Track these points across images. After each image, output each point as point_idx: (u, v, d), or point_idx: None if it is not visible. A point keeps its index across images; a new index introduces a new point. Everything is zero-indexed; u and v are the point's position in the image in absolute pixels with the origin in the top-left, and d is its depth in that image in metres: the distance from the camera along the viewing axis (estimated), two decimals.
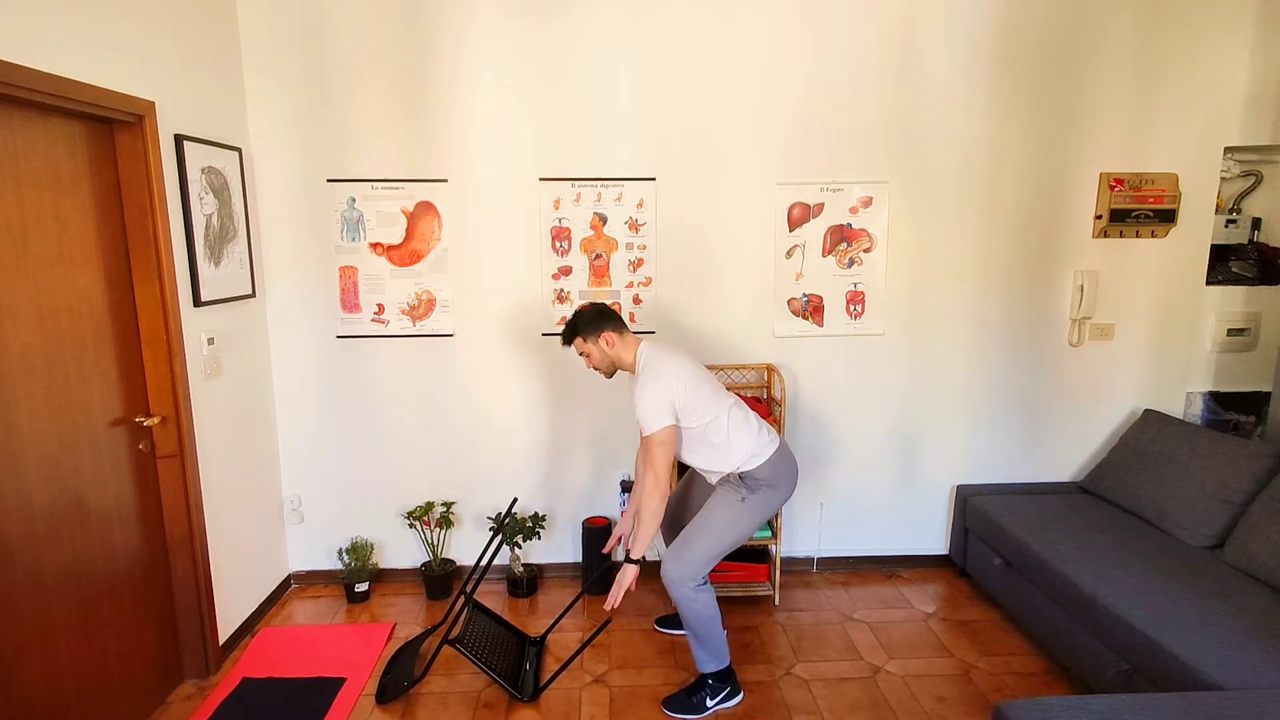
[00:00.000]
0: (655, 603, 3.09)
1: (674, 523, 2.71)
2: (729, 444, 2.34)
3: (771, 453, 2.37)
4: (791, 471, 2.43)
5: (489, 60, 2.94)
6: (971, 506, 3.16)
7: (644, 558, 2.37)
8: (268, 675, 2.58)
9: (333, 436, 3.18)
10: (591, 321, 2.39)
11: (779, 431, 2.99)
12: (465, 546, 3.28)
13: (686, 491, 2.72)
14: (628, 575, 2.35)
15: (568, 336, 2.43)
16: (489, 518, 3.25)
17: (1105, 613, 2.27)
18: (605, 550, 2.78)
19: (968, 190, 3.10)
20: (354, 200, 3.01)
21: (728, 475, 2.38)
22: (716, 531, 2.33)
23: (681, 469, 2.99)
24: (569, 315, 3.07)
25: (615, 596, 2.34)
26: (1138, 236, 3.15)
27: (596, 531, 3.16)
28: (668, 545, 2.65)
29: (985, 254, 3.15)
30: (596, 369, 2.47)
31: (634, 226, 3.07)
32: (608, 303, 3.08)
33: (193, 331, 2.52)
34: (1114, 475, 3.06)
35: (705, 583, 2.36)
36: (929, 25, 2.97)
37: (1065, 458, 3.34)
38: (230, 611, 2.76)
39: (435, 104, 2.96)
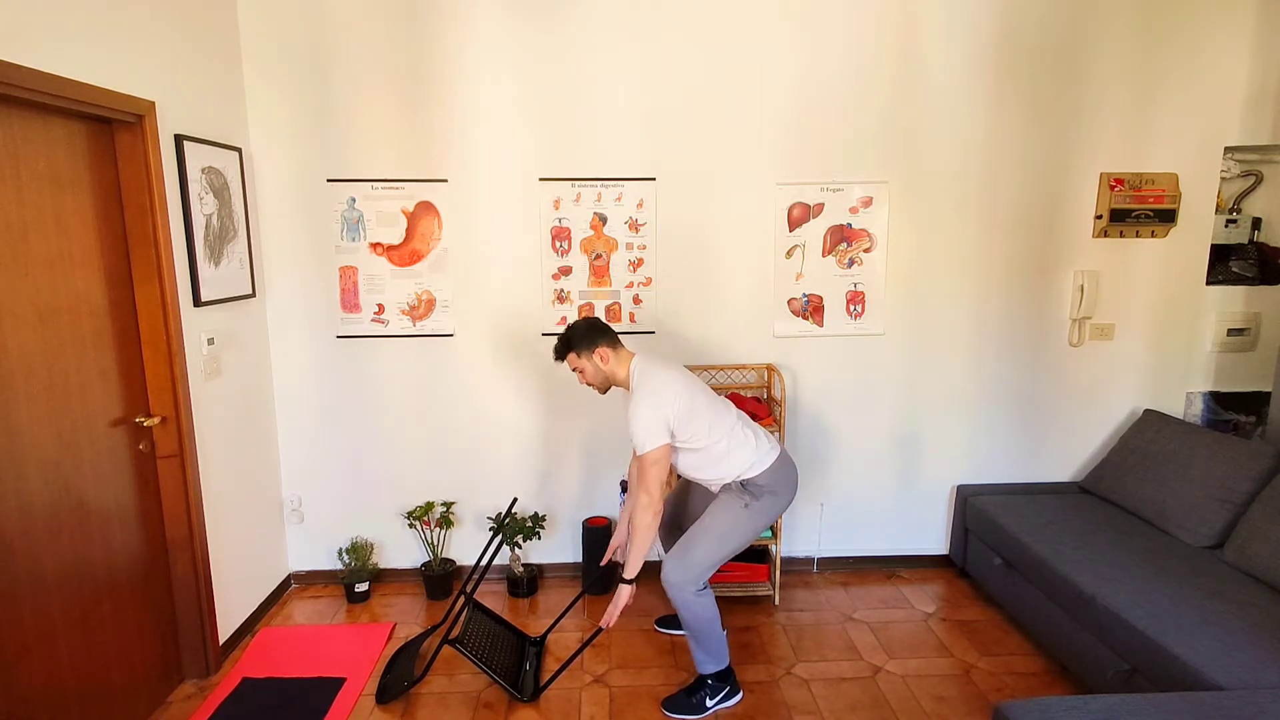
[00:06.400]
0: (655, 603, 3.09)
1: (672, 524, 2.70)
2: (727, 458, 2.32)
3: (772, 460, 2.35)
4: (792, 478, 2.42)
5: (489, 60, 2.94)
6: (971, 506, 3.16)
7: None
8: (268, 675, 2.58)
9: (333, 436, 3.18)
10: (585, 336, 2.34)
11: (779, 433, 2.99)
12: (465, 546, 3.28)
13: (684, 494, 2.72)
14: (623, 595, 2.34)
15: (560, 352, 2.38)
16: (489, 518, 3.25)
17: (1105, 613, 2.27)
18: (603, 563, 2.75)
19: (968, 190, 3.10)
20: (354, 200, 3.01)
21: (729, 483, 2.36)
22: (719, 537, 2.32)
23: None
24: (567, 319, 3.10)
25: (611, 615, 2.34)
26: (1138, 236, 3.14)
27: (596, 531, 3.16)
28: (666, 548, 2.65)
29: (985, 254, 3.15)
30: (590, 384, 2.42)
31: (634, 226, 3.07)
32: (600, 314, 3.09)
33: (193, 331, 2.52)
34: (1114, 475, 3.06)
35: (706, 587, 2.35)
36: (929, 25, 2.97)
37: (1065, 458, 3.34)
38: (230, 611, 2.76)
39: (435, 104, 2.96)
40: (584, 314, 3.11)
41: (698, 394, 2.33)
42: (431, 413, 3.18)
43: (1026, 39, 3.00)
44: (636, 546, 2.29)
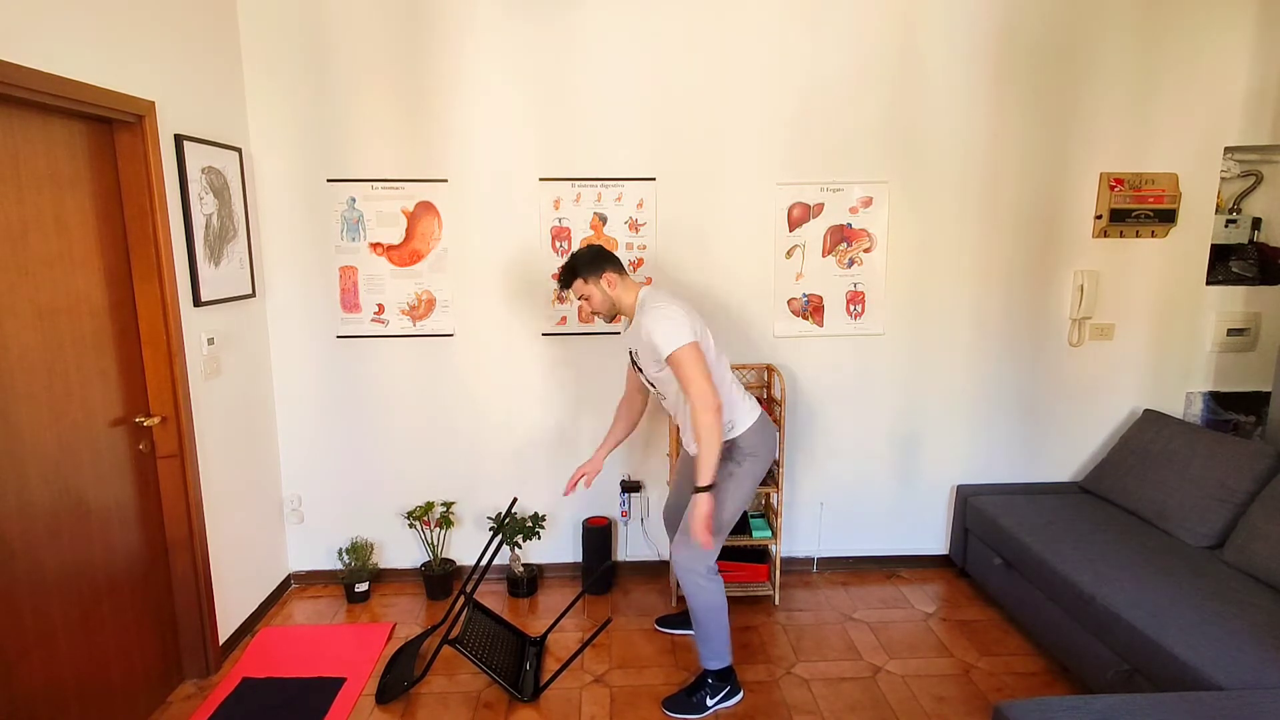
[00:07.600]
0: (656, 602, 3.09)
1: (674, 519, 2.70)
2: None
3: (754, 421, 2.38)
4: (771, 440, 2.44)
5: (489, 60, 2.94)
6: (971, 506, 3.16)
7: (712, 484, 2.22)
8: (268, 675, 2.58)
9: (333, 436, 3.18)
10: (592, 262, 2.34)
11: (780, 433, 2.99)
12: (465, 546, 3.29)
13: (684, 489, 2.71)
14: (702, 504, 2.17)
15: (567, 279, 2.36)
16: (489, 518, 3.25)
17: (1105, 613, 2.27)
18: (565, 494, 2.65)
19: (968, 190, 3.10)
20: (354, 200, 3.00)
21: None
22: (715, 508, 2.33)
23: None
24: (567, 319, 3.10)
25: (696, 530, 2.17)
26: (1138, 236, 3.15)
27: (596, 531, 3.16)
28: (671, 540, 2.65)
29: (985, 254, 3.15)
30: (596, 312, 2.41)
31: (634, 226, 3.07)
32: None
33: (193, 331, 2.52)
34: (1114, 475, 3.06)
35: (716, 571, 2.37)
36: (929, 25, 2.97)
37: (1065, 458, 3.34)
38: (230, 611, 2.76)
39: (435, 104, 2.96)
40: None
41: (706, 333, 2.33)
42: (431, 413, 3.18)
43: (1027, 39, 3.00)
44: (705, 451, 2.16)
